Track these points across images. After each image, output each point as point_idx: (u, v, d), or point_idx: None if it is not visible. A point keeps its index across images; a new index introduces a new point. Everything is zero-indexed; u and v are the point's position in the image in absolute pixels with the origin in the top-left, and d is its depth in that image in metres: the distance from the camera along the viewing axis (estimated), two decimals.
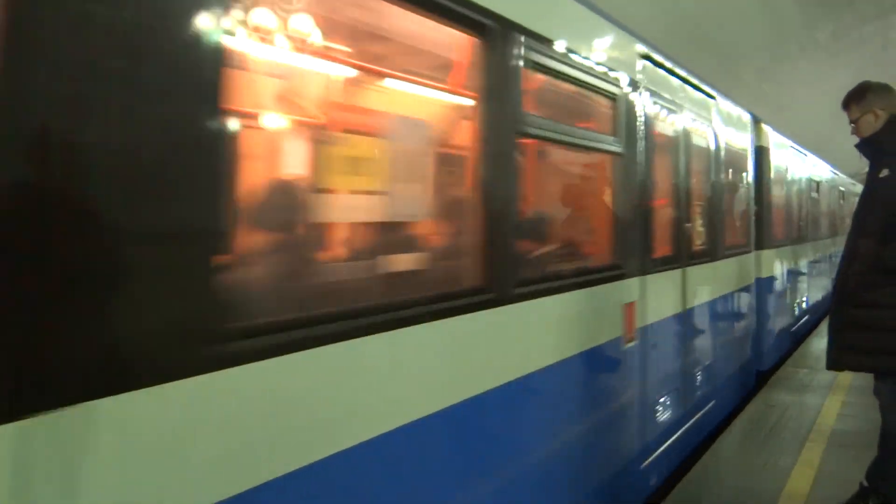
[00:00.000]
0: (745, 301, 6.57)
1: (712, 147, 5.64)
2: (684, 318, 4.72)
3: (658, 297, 4.19)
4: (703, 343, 5.19)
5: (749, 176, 7.04)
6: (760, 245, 7.27)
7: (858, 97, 3.84)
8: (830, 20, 12.87)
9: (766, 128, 7.65)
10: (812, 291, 10.44)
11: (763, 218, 7.34)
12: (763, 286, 7.24)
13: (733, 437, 5.34)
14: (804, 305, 9.83)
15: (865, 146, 3.81)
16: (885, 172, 3.61)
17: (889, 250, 3.54)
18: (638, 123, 3.96)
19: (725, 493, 4.25)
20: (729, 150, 6.07)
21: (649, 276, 4.05)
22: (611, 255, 3.75)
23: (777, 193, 8.03)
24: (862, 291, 3.64)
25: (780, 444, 5.12)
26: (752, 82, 14.02)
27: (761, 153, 7.50)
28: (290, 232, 2.39)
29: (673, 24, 9.59)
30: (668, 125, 4.68)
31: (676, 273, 4.63)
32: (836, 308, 3.73)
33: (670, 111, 4.63)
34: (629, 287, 3.78)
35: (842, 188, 14.78)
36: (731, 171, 6.20)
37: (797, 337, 9.33)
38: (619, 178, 3.79)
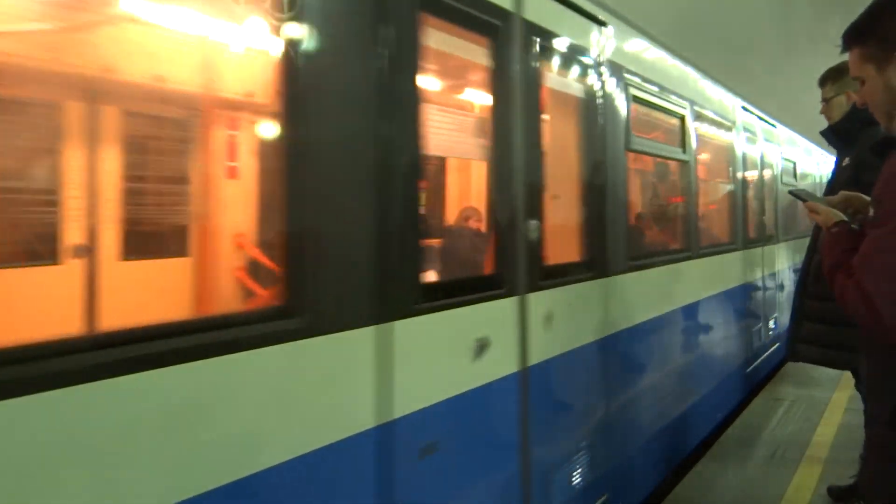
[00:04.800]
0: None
1: None
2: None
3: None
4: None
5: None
6: None
7: (836, 75, 3.66)
8: (841, 13, 12.75)
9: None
10: None
11: None
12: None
13: (737, 431, 5.34)
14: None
15: (831, 134, 3.64)
16: (846, 162, 3.51)
17: None
18: None
19: (729, 490, 4.25)
20: None
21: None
22: None
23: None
24: (815, 282, 3.64)
25: (786, 440, 5.12)
26: (761, 76, 13.92)
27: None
28: None
29: (680, 16, 9.54)
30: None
31: None
32: (796, 298, 3.70)
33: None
34: None
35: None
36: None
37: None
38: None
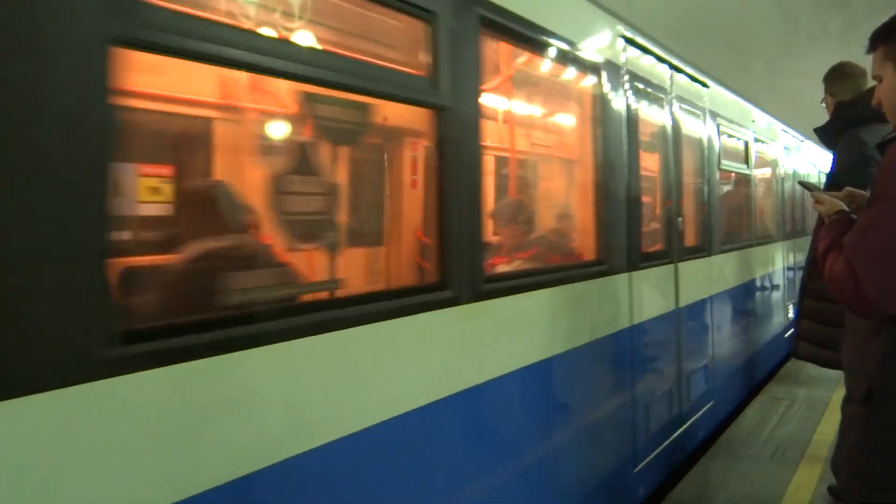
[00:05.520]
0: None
1: None
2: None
3: None
4: None
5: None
6: None
7: (825, 78, 3.69)
8: (841, 10, 12.74)
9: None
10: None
11: None
12: None
13: (737, 431, 5.35)
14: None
15: (822, 133, 3.68)
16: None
17: None
18: None
19: (729, 490, 4.26)
20: None
21: None
22: None
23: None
24: (809, 281, 3.69)
25: (786, 440, 5.12)
26: (762, 74, 13.92)
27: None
28: None
29: (681, 15, 9.53)
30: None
31: None
32: (799, 296, 3.77)
33: None
34: None
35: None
36: None
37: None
38: None
